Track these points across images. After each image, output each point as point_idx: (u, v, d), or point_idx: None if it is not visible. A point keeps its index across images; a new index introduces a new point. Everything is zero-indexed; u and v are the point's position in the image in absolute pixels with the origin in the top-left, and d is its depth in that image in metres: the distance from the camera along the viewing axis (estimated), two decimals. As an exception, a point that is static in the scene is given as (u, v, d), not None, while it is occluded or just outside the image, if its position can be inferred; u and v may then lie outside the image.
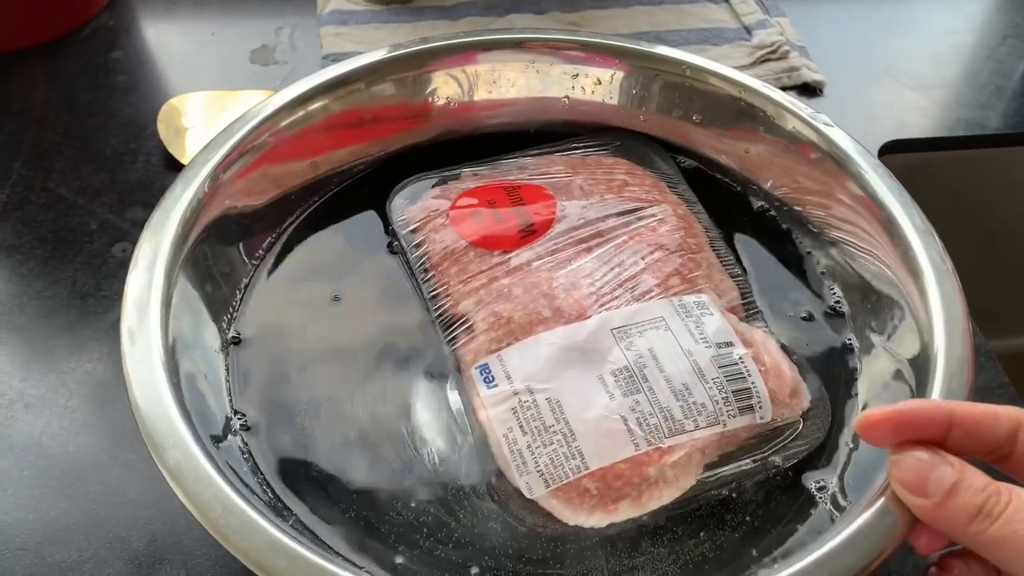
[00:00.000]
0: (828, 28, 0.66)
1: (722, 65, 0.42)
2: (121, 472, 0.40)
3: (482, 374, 0.34)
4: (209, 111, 0.55)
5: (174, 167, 0.53)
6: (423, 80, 0.43)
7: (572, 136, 0.44)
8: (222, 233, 0.38)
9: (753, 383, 0.33)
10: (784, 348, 0.36)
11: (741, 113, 0.42)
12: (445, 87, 0.43)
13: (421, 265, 0.38)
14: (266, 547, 0.26)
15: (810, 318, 0.38)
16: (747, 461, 0.33)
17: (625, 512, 0.31)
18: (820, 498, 0.33)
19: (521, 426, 0.32)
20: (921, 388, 0.32)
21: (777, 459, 0.33)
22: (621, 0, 0.66)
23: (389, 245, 0.40)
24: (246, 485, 0.30)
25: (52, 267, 0.48)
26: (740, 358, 0.34)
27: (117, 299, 0.46)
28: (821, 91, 0.60)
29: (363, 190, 0.42)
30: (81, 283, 0.47)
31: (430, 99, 0.43)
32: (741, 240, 0.41)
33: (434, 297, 0.37)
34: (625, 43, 0.44)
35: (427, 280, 0.38)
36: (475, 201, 0.39)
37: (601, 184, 0.41)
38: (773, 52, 0.61)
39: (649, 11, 0.65)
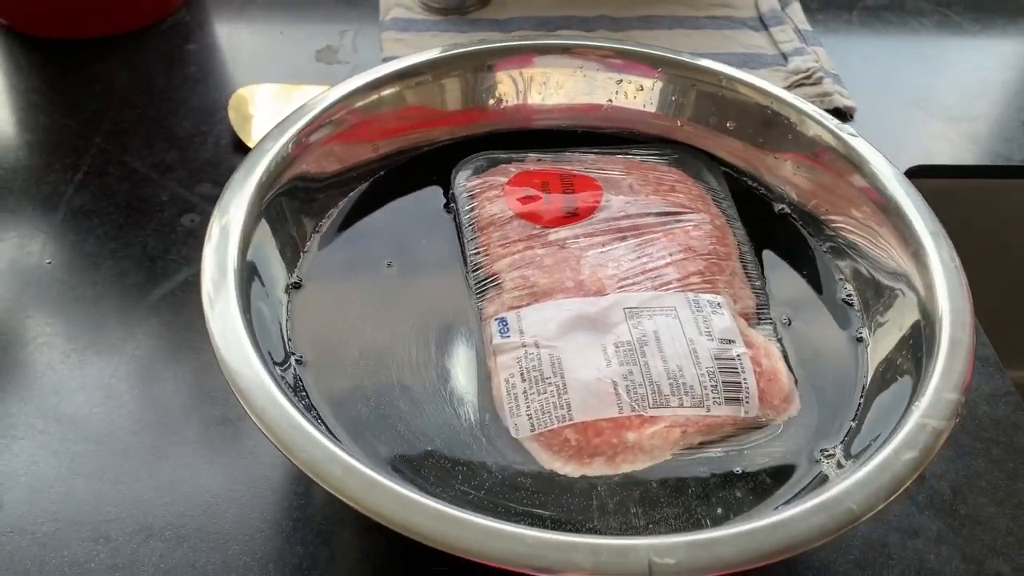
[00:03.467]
0: (863, 59, 0.69)
1: (753, 76, 0.45)
2: (181, 413, 0.43)
3: (499, 325, 0.38)
4: (275, 101, 0.59)
5: (241, 149, 0.57)
6: (483, 78, 0.47)
7: (619, 139, 0.48)
8: (295, 194, 0.42)
9: (745, 379, 0.36)
10: (787, 359, 0.38)
11: (770, 122, 0.45)
12: (502, 85, 0.47)
13: (470, 226, 0.42)
14: (325, 459, 0.29)
15: (822, 311, 0.41)
16: (723, 451, 0.35)
17: (598, 468, 0.34)
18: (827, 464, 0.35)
19: (522, 374, 0.36)
20: (920, 372, 0.34)
21: (752, 455, 0.35)
22: (665, 23, 0.70)
23: (446, 206, 0.45)
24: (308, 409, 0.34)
25: (126, 232, 0.52)
26: (738, 355, 0.36)
27: (184, 263, 0.50)
28: (852, 116, 0.63)
29: (420, 170, 0.46)
30: (151, 247, 0.51)
31: (487, 95, 0.47)
32: (759, 238, 0.44)
33: (475, 255, 0.41)
34: (666, 53, 0.47)
35: (472, 240, 0.42)
36: (531, 181, 0.43)
37: (649, 186, 0.44)
38: (807, 78, 0.64)
39: (691, 34, 0.69)
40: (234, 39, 0.67)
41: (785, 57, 0.67)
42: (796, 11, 0.72)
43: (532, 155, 0.46)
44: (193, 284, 0.49)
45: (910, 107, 0.65)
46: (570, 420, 0.35)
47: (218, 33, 0.68)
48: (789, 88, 0.64)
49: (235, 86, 0.61)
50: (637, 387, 0.35)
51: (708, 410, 0.35)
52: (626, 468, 0.34)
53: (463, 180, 0.45)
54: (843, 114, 0.63)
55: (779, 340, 0.39)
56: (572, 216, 0.42)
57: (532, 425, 0.35)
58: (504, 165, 0.45)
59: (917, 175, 0.60)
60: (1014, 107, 0.66)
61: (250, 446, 0.42)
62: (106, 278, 0.49)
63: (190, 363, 0.46)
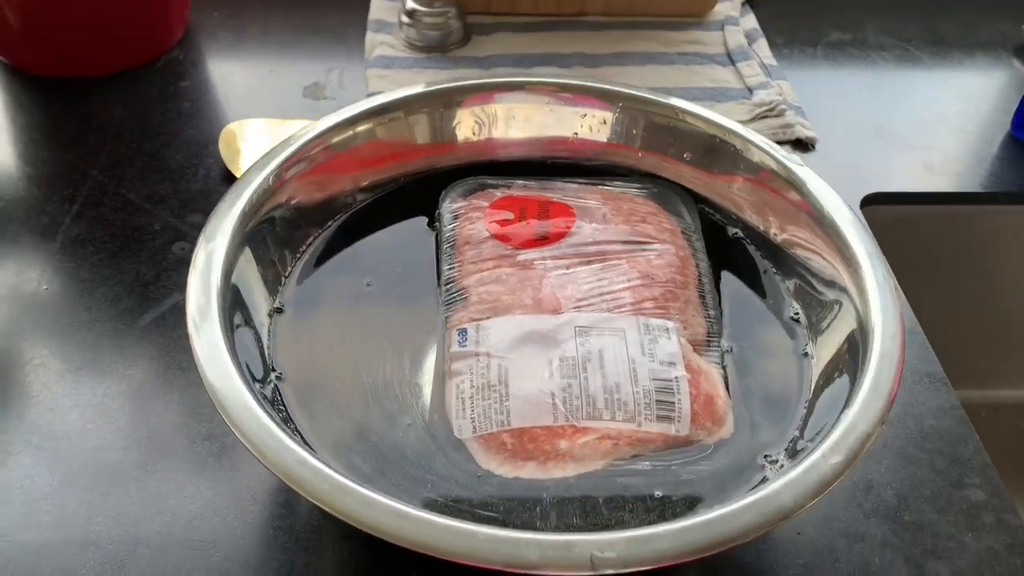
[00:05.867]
0: (825, 91, 0.72)
1: (705, 108, 0.49)
2: (169, 430, 0.46)
3: (459, 335, 0.41)
4: (264, 135, 0.63)
5: (230, 181, 0.59)
6: (452, 114, 0.50)
7: (609, 171, 0.51)
8: (276, 224, 0.44)
9: (679, 400, 0.38)
10: (727, 385, 0.41)
11: (722, 151, 0.48)
12: (471, 121, 0.50)
13: (449, 244, 0.46)
14: (296, 463, 0.32)
15: (771, 330, 0.44)
16: (652, 464, 0.38)
17: (530, 472, 0.37)
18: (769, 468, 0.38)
19: (471, 380, 0.39)
20: (856, 377, 0.37)
21: (680, 472, 0.38)
22: (637, 59, 0.73)
23: (430, 224, 0.49)
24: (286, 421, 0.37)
25: (119, 259, 0.55)
26: (676, 378, 0.39)
27: (174, 289, 0.53)
28: (813, 146, 0.66)
29: (396, 200, 0.49)
30: (144, 274, 0.54)
31: (456, 130, 0.50)
32: (713, 259, 0.47)
33: (449, 270, 0.44)
34: (624, 88, 0.50)
35: (449, 256, 0.45)
36: (510, 206, 0.47)
37: (622, 216, 0.47)
38: (771, 110, 0.68)
39: (661, 70, 0.72)
40: (226, 76, 0.71)
41: (750, 91, 0.70)
42: (762, 47, 0.75)
43: (519, 182, 0.50)
44: (182, 308, 0.51)
45: (869, 137, 0.68)
46: (508, 426, 0.38)
47: (210, 70, 0.71)
48: (753, 120, 0.67)
49: (226, 121, 0.64)
50: (574, 399, 0.38)
51: (639, 425, 0.38)
52: (556, 473, 0.37)
53: (450, 202, 0.48)
54: (804, 144, 0.66)
55: (723, 367, 0.42)
56: (542, 240, 0.45)
57: (474, 428, 0.38)
58: (491, 190, 0.49)
59: (874, 202, 0.63)
60: (968, 137, 0.69)
61: (234, 460, 0.45)
62: (100, 303, 0.52)
63: (178, 383, 0.48)
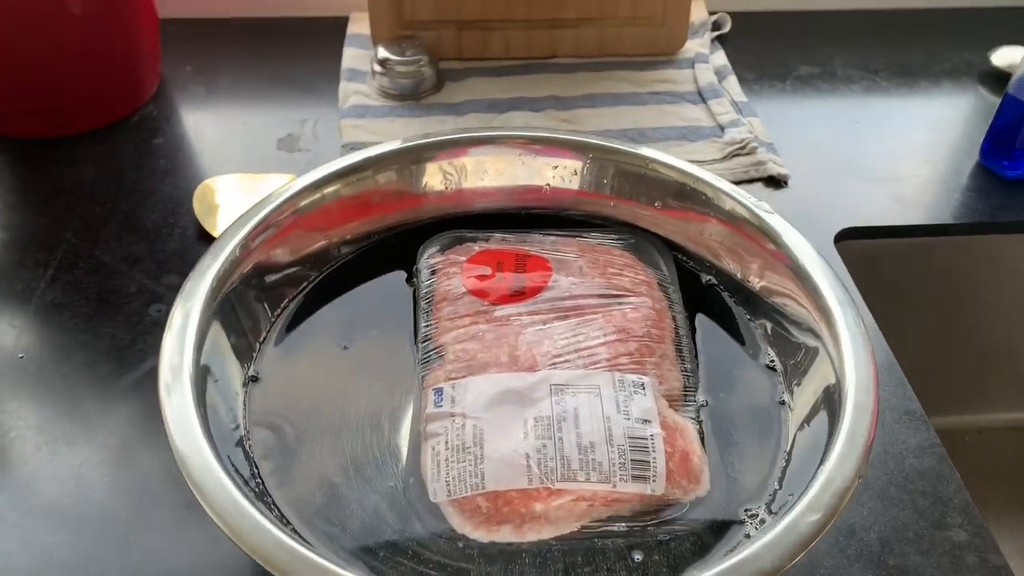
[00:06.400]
0: (796, 126, 0.73)
1: (676, 158, 0.49)
2: (150, 499, 0.45)
3: (435, 395, 0.41)
4: (239, 191, 0.63)
5: (206, 239, 0.60)
6: (422, 169, 0.50)
7: (583, 222, 0.51)
8: (247, 292, 0.44)
9: (654, 458, 0.38)
10: (703, 441, 0.41)
11: (691, 198, 0.48)
12: (441, 175, 0.51)
13: (426, 300, 0.46)
14: (271, 544, 0.32)
15: (747, 379, 0.44)
16: (628, 526, 0.38)
17: (505, 535, 0.37)
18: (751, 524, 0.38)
19: (446, 442, 0.39)
20: (832, 428, 0.37)
21: (656, 533, 0.38)
22: (608, 100, 0.74)
23: (408, 280, 0.49)
24: (258, 498, 0.36)
25: (95, 323, 0.54)
26: (651, 436, 0.39)
27: (151, 352, 0.52)
28: (786, 183, 0.67)
29: (370, 257, 0.50)
30: (120, 338, 0.53)
31: (428, 185, 0.51)
32: (687, 307, 0.47)
33: (426, 327, 0.44)
34: (593, 139, 0.51)
35: (426, 313, 0.45)
36: (488, 260, 0.47)
37: (599, 269, 0.47)
38: (742, 148, 0.68)
39: (633, 110, 0.73)
40: (199, 131, 0.71)
41: (722, 128, 0.71)
42: (732, 84, 0.76)
43: (497, 235, 0.50)
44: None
45: (841, 170, 0.69)
46: (482, 489, 0.37)
47: (184, 126, 0.71)
48: (725, 159, 0.68)
49: (201, 177, 0.64)
50: (548, 460, 0.38)
51: (614, 486, 0.38)
52: (532, 536, 0.37)
53: (428, 256, 0.48)
54: (777, 181, 0.67)
55: (699, 422, 0.42)
56: (519, 294, 0.45)
57: (449, 491, 0.38)
58: (469, 243, 0.49)
59: (848, 237, 0.64)
60: (938, 167, 0.70)
61: (217, 530, 0.44)
62: (77, 369, 0.52)
63: (158, 449, 0.48)
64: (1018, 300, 0.73)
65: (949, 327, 0.73)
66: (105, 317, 0.55)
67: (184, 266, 0.58)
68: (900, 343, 0.55)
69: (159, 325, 0.54)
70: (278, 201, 0.46)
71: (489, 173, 0.51)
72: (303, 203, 0.46)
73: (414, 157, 0.50)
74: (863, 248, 0.65)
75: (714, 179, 0.48)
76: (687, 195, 0.49)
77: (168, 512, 0.45)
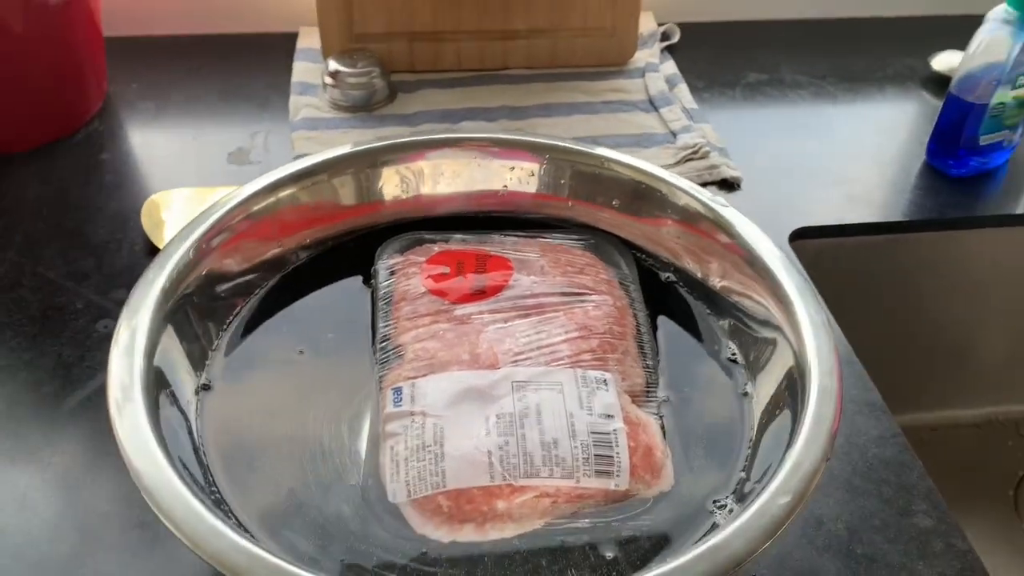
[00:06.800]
0: (747, 131, 0.74)
1: (631, 156, 0.49)
2: (99, 519, 0.44)
3: (394, 394, 0.40)
4: (189, 205, 0.61)
5: (155, 254, 0.58)
6: (378, 174, 0.49)
7: (544, 224, 0.51)
8: (197, 300, 0.43)
9: (617, 453, 0.38)
10: (666, 435, 0.40)
11: (650, 197, 0.48)
12: (398, 179, 0.50)
13: (385, 300, 0.45)
14: (230, 549, 0.30)
15: (709, 372, 0.44)
16: (592, 522, 0.37)
17: (468, 534, 0.36)
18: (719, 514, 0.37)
19: (405, 441, 0.38)
20: (797, 413, 0.37)
21: (621, 528, 0.37)
22: (563, 110, 0.74)
23: (366, 281, 0.48)
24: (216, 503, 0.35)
25: (40, 342, 0.52)
26: (614, 430, 0.38)
27: (100, 369, 0.51)
28: (739, 186, 0.67)
29: (324, 262, 0.49)
30: (66, 355, 0.52)
31: (384, 189, 0.50)
32: (648, 305, 0.47)
33: (385, 327, 0.43)
34: (544, 139, 0.51)
35: (384, 313, 0.44)
36: (447, 260, 0.46)
37: (560, 268, 0.47)
38: (695, 152, 0.69)
39: (587, 119, 0.73)
40: (148, 146, 0.69)
41: (674, 135, 0.71)
42: (683, 92, 0.77)
43: (457, 236, 0.49)
44: (109, 389, 0.50)
45: (793, 173, 0.70)
46: (443, 487, 0.36)
47: (132, 141, 0.70)
48: (678, 163, 0.68)
49: (150, 192, 0.63)
50: (510, 457, 0.37)
51: (578, 481, 0.37)
52: (495, 535, 0.36)
53: (386, 257, 0.48)
54: (730, 184, 0.67)
55: (661, 417, 0.41)
56: (480, 294, 0.45)
57: (409, 491, 0.37)
58: (428, 245, 0.48)
59: (802, 236, 0.64)
60: (886, 168, 0.71)
61: (169, 549, 0.42)
62: (21, 389, 0.50)
63: (108, 469, 0.46)
64: (968, 297, 0.74)
65: (902, 324, 0.74)
66: (50, 335, 0.53)
67: (132, 281, 0.55)
68: (854, 341, 0.56)
69: (108, 341, 0.52)
70: (227, 207, 0.45)
71: (446, 176, 0.51)
72: (254, 208, 0.46)
73: (370, 161, 0.49)
74: (817, 247, 0.65)
75: (669, 176, 0.48)
76: (643, 194, 0.49)
77: (119, 533, 0.43)
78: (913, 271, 0.71)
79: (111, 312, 0.54)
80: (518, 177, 0.51)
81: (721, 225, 0.46)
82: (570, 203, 0.51)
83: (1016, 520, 0.73)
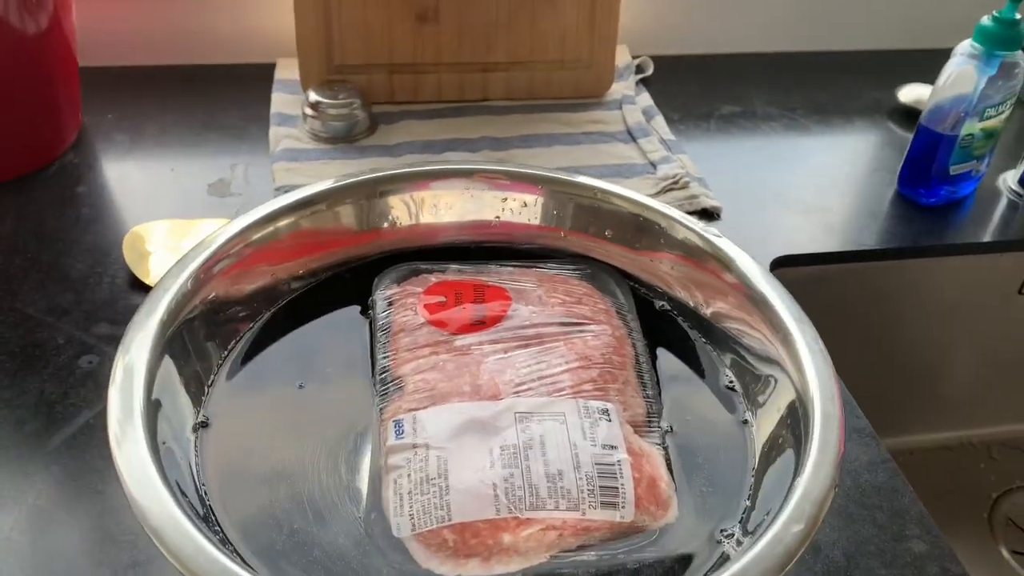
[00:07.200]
0: (723, 162, 0.75)
1: (625, 188, 0.50)
2: (88, 561, 0.42)
3: (395, 427, 0.39)
4: (171, 237, 0.60)
5: (138, 287, 0.57)
6: (376, 203, 0.49)
7: (536, 254, 0.51)
8: (197, 331, 0.42)
9: (622, 484, 0.38)
10: (670, 467, 0.40)
11: (643, 228, 0.49)
12: (395, 210, 0.50)
13: (383, 331, 0.44)
14: None
15: (708, 401, 0.44)
16: (598, 555, 0.37)
17: (473, 569, 0.35)
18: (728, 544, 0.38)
19: (409, 475, 0.37)
20: (800, 446, 0.37)
21: (626, 560, 0.37)
22: (543, 140, 0.75)
23: (363, 311, 0.47)
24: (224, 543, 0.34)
25: (21, 379, 0.51)
26: (619, 461, 0.38)
27: (84, 406, 0.50)
28: (718, 215, 0.68)
29: (321, 293, 0.48)
30: (49, 393, 0.50)
31: (380, 220, 0.50)
32: (647, 334, 0.47)
33: (384, 358, 0.43)
34: (544, 172, 0.51)
35: (383, 344, 0.44)
36: (445, 291, 0.46)
37: (557, 298, 0.47)
38: (675, 183, 0.70)
39: (567, 150, 0.74)
40: (125, 178, 0.68)
41: (654, 165, 0.72)
42: (660, 123, 0.78)
43: (454, 266, 0.49)
44: (95, 427, 0.48)
45: (770, 203, 0.71)
46: (449, 521, 0.36)
47: (108, 174, 0.69)
48: (659, 193, 0.69)
49: (129, 224, 0.62)
50: (516, 489, 0.37)
51: (584, 514, 0.37)
52: (500, 569, 0.36)
53: (383, 288, 0.47)
54: (710, 214, 0.68)
55: (664, 448, 0.41)
56: (479, 324, 0.45)
57: (413, 525, 0.36)
58: (425, 275, 0.48)
59: (782, 265, 0.66)
60: (861, 197, 0.73)
61: (163, 587, 0.41)
62: (2, 428, 0.48)
63: (95, 507, 0.45)
64: (940, 322, 0.76)
65: (878, 350, 0.75)
66: (32, 372, 0.51)
67: (115, 315, 0.55)
68: (836, 366, 0.56)
69: (91, 377, 0.51)
70: (224, 237, 0.44)
71: (439, 207, 0.51)
72: (255, 236, 0.45)
73: (368, 192, 0.49)
74: (795, 275, 0.67)
75: (663, 207, 0.49)
76: (639, 225, 0.49)
77: (107, 573, 0.42)
78: (887, 297, 0.72)
79: (94, 347, 0.53)
80: (511, 208, 0.52)
81: (716, 256, 0.46)
82: (563, 233, 0.51)
83: (992, 542, 0.75)
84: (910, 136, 0.71)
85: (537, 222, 0.52)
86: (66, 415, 0.49)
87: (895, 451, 0.79)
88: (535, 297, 0.46)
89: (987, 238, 0.71)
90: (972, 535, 0.75)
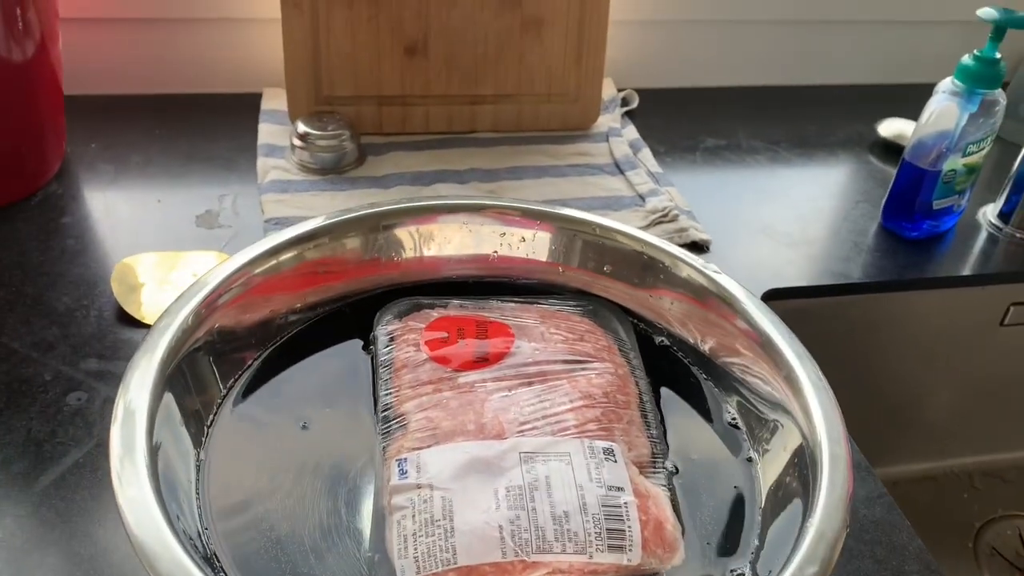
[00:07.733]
0: (709, 194, 0.76)
1: (627, 225, 0.50)
2: (82, 608, 0.41)
3: (399, 466, 0.39)
4: (160, 270, 0.60)
5: (127, 321, 0.56)
6: (378, 237, 0.49)
7: (538, 290, 0.51)
8: (198, 365, 0.42)
9: (629, 527, 0.37)
10: (676, 509, 0.40)
11: (644, 265, 0.49)
12: (400, 243, 0.50)
13: (385, 367, 0.44)
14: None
15: (711, 438, 0.44)
16: None
17: None
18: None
19: (413, 516, 0.37)
20: (809, 487, 0.37)
21: None
22: (532, 172, 0.75)
23: (365, 347, 0.46)
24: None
25: (7, 417, 0.50)
26: (625, 503, 0.38)
27: (73, 444, 0.48)
28: (707, 248, 0.69)
29: (320, 329, 0.48)
30: (36, 431, 0.49)
31: (383, 254, 0.49)
32: (648, 371, 0.47)
33: (386, 395, 0.43)
34: (545, 208, 0.51)
35: (386, 381, 0.43)
36: (447, 326, 0.46)
37: (560, 335, 0.47)
38: (665, 216, 0.70)
39: (556, 182, 0.74)
40: (111, 209, 0.67)
41: (642, 198, 0.73)
42: (647, 156, 0.79)
43: (455, 301, 0.49)
44: (84, 466, 0.47)
45: (757, 236, 0.72)
46: (454, 564, 0.35)
47: (92, 205, 0.68)
48: (649, 226, 0.69)
49: (115, 256, 0.61)
50: (522, 532, 0.37)
51: (591, 557, 0.36)
52: None
53: (385, 323, 0.47)
54: (700, 247, 0.69)
55: (670, 489, 0.41)
56: (482, 361, 0.44)
57: (418, 568, 0.36)
58: (427, 310, 0.48)
59: (771, 297, 0.66)
60: (845, 229, 0.74)
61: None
62: (-13, 468, 0.47)
63: (87, 550, 0.43)
64: (925, 353, 0.77)
65: (861, 382, 0.76)
66: (18, 409, 0.50)
67: (103, 350, 0.54)
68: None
69: (80, 414, 0.50)
70: (226, 272, 0.44)
71: (436, 242, 0.51)
72: (256, 271, 0.45)
73: (372, 225, 0.48)
74: (785, 307, 0.67)
75: (662, 243, 0.49)
76: (641, 262, 0.49)
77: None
78: (871, 329, 0.73)
79: (82, 383, 0.52)
80: (509, 243, 0.51)
81: (717, 294, 0.47)
82: (561, 269, 0.51)
83: (977, 571, 0.76)
84: (891, 169, 0.72)
85: (536, 257, 0.52)
86: (54, 455, 0.48)
87: (887, 481, 0.80)
88: (537, 333, 0.46)
89: (968, 271, 0.72)
90: (958, 565, 0.76)
